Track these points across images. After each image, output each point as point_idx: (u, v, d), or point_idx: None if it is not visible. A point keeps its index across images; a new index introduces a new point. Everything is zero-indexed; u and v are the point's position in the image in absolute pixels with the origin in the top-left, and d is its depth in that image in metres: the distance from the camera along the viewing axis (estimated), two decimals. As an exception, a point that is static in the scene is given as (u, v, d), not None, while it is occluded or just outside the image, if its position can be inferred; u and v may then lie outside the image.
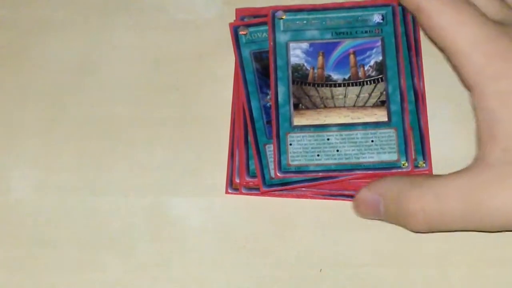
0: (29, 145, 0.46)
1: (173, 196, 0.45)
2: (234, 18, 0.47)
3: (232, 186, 0.45)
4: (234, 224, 0.45)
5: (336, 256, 0.44)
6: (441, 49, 0.42)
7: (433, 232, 0.42)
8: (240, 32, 0.46)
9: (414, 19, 0.46)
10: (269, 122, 0.45)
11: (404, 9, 0.45)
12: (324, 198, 0.44)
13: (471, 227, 0.41)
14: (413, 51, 0.45)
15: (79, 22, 0.48)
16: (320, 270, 0.44)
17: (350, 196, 0.44)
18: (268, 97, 0.45)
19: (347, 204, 0.44)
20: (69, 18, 0.48)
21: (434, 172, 0.44)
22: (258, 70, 0.46)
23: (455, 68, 0.41)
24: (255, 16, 0.47)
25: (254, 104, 0.45)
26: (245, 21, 0.47)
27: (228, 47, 0.46)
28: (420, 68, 0.46)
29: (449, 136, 0.45)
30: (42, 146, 0.46)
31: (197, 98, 0.47)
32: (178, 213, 0.45)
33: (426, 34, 0.42)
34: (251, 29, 0.46)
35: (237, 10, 0.47)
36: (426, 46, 0.46)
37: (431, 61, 0.46)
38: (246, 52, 0.46)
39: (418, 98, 0.45)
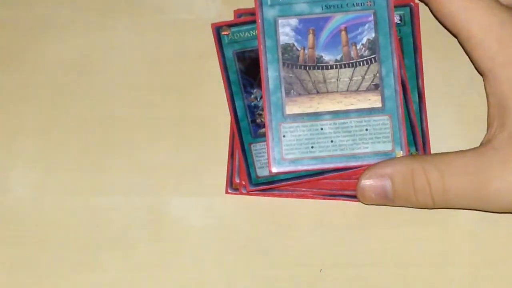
0: (29, 145, 0.46)
1: (173, 196, 0.45)
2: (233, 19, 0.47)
3: (232, 186, 0.45)
4: (234, 224, 0.45)
5: (336, 256, 0.44)
6: (454, 35, 0.42)
7: (439, 208, 0.42)
8: (222, 33, 0.45)
9: (412, 20, 0.45)
10: (253, 121, 0.45)
11: (411, 10, 0.45)
12: (324, 198, 0.44)
13: (474, 206, 0.41)
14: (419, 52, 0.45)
15: (79, 22, 0.48)
16: (320, 270, 0.44)
17: (351, 196, 0.44)
18: (252, 96, 0.45)
19: (347, 204, 0.44)
20: (69, 18, 0.48)
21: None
22: (241, 70, 0.45)
23: (468, 53, 0.41)
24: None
25: (238, 103, 0.45)
26: (227, 21, 0.46)
27: (228, 47, 0.46)
28: (419, 66, 0.45)
29: (449, 136, 0.45)
30: (42, 146, 0.46)
31: (197, 98, 0.47)
32: (178, 213, 0.45)
33: (439, 21, 0.42)
34: (234, 29, 0.46)
35: (235, 12, 0.47)
36: (426, 45, 0.46)
37: (431, 60, 0.46)
38: (229, 52, 0.46)
39: (406, 90, 0.44)
